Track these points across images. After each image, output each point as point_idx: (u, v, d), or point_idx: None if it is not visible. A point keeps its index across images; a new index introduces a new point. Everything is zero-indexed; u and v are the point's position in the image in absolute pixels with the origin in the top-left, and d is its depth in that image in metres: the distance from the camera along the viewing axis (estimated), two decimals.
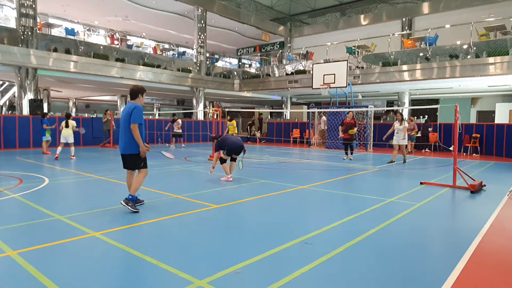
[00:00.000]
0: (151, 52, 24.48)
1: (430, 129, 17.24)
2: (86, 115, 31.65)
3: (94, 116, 26.55)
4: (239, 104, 36.44)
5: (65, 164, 10.43)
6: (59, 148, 11.71)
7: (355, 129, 12.63)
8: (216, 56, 32.50)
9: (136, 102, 5.18)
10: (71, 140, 11.70)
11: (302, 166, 11.27)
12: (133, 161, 5.14)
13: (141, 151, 5.07)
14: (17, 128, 15.71)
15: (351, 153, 12.93)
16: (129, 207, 5.05)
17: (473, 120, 25.85)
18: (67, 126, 11.66)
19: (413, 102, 27.23)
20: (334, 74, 17.89)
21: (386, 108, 27.15)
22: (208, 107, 28.77)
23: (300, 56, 25.29)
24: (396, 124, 11.54)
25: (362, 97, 25.39)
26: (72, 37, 19.02)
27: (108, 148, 16.65)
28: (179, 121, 18.28)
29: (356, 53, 20.99)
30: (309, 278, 3.06)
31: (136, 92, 5.20)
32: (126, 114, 5.05)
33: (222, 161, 7.99)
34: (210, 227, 4.58)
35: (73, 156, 11.71)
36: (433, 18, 22.90)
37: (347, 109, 17.65)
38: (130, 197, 5.11)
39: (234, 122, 15.09)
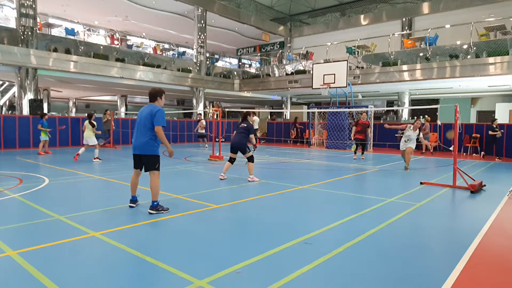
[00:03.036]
0: (151, 52, 24.48)
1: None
2: (86, 115, 31.64)
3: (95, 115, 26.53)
4: (239, 104, 36.44)
5: (65, 164, 10.43)
6: (82, 149, 11.30)
7: (368, 130, 12.75)
8: (216, 56, 32.50)
9: (156, 104, 5.18)
10: (91, 142, 11.20)
11: (302, 166, 11.27)
12: (151, 162, 5.12)
13: (169, 151, 5.17)
14: (17, 128, 15.70)
15: (362, 154, 13.03)
16: (161, 211, 5.08)
17: (473, 120, 25.85)
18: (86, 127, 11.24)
19: (413, 102, 27.23)
20: (334, 74, 17.89)
21: (386, 108, 27.14)
22: (208, 107, 28.78)
23: (300, 56, 25.29)
24: (409, 131, 9.96)
25: (362, 97, 25.38)
26: (72, 37, 19.02)
27: (108, 148, 16.64)
28: (203, 121, 18.26)
29: (356, 53, 20.99)
30: (309, 278, 3.06)
31: (154, 95, 5.20)
32: (147, 115, 5.05)
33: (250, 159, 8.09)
34: (210, 227, 4.58)
35: (96, 159, 11.25)
36: (433, 18, 22.89)
37: (347, 109, 17.69)
38: (155, 203, 5.10)
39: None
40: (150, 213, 5.04)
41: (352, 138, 13.06)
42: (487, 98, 25.68)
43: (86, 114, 11.93)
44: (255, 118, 21.85)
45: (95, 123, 11.43)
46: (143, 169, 5.27)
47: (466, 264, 3.39)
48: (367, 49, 21.32)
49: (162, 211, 5.09)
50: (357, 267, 3.33)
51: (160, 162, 5.23)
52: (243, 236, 4.29)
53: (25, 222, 4.65)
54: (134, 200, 5.44)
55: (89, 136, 11.21)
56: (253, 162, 8.06)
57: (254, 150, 8.35)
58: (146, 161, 5.14)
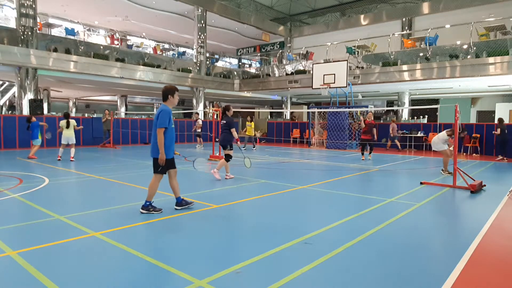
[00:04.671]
0: (151, 52, 24.50)
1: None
2: (86, 115, 31.66)
3: (94, 116, 26.58)
4: (239, 104, 36.44)
5: (65, 164, 10.43)
6: (61, 150, 11.34)
7: (374, 130, 12.58)
8: (216, 56, 32.50)
9: (167, 104, 5.03)
10: (72, 141, 11.25)
11: (302, 166, 11.27)
12: (154, 164, 5.05)
13: (159, 158, 4.87)
14: (17, 128, 15.71)
15: (370, 153, 12.80)
16: (151, 211, 5.05)
17: (473, 120, 25.85)
18: (68, 126, 11.17)
19: (413, 102, 27.24)
20: (334, 74, 17.90)
21: (386, 108, 27.14)
22: (208, 107, 28.79)
23: (300, 56, 25.30)
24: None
25: (362, 97, 25.41)
26: (72, 37, 19.03)
27: (108, 148, 16.64)
28: (199, 121, 18.24)
29: (356, 53, 20.99)
30: (309, 278, 3.06)
31: (165, 93, 5.03)
32: (155, 117, 4.96)
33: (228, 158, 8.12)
34: (210, 227, 4.58)
35: (73, 158, 11.26)
36: (433, 18, 22.90)
37: (347, 109, 17.70)
38: (147, 203, 5.07)
39: (252, 123, 16.56)
40: (141, 213, 5.03)
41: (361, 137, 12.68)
42: (487, 98, 25.69)
43: (64, 114, 11.64)
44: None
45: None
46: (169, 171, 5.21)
47: (466, 264, 3.39)
48: (367, 49, 21.32)
49: (153, 212, 5.05)
50: (357, 267, 3.33)
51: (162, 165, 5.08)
52: (243, 236, 4.29)
53: (25, 222, 4.65)
54: (178, 201, 5.31)
55: (72, 135, 11.22)
56: (227, 161, 8.06)
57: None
58: (153, 162, 5.11)
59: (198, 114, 19.16)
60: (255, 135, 17.21)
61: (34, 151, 12.00)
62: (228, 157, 8.08)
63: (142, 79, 20.47)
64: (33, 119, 12.21)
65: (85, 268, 3.23)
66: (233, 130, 7.97)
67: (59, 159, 11.15)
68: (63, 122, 11.25)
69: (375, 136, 12.51)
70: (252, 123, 16.69)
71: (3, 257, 3.41)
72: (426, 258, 3.59)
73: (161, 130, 4.83)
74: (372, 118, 12.74)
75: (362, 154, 12.73)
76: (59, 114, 24.35)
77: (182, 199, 5.34)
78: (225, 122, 8.02)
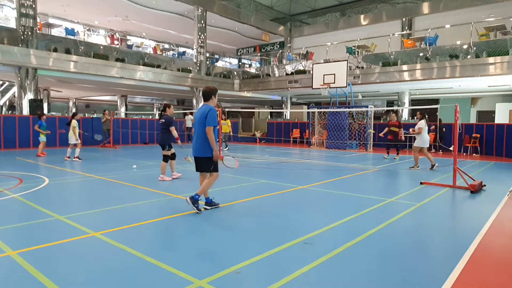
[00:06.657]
0: (151, 52, 24.48)
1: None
2: (86, 114, 31.66)
3: (94, 116, 26.57)
4: (239, 104, 36.43)
5: (65, 164, 10.43)
6: (69, 150, 11.52)
7: (400, 130, 12.90)
8: (216, 56, 32.49)
9: (209, 103, 5.12)
10: (71, 141, 11.38)
11: (302, 166, 11.27)
12: (205, 164, 5.12)
13: (214, 154, 5.02)
14: (17, 128, 15.70)
15: (397, 153, 13.21)
16: (196, 206, 5.06)
17: (473, 120, 25.85)
18: (69, 125, 11.48)
19: (413, 102, 27.22)
20: (334, 74, 17.89)
21: (386, 108, 27.12)
22: None
23: (300, 56, 25.29)
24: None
25: (362, 97, 25.38)
26: (72, 37, 19.01)
27: (108, 148, 16.64)
28: (190, 116, 18.33)
29: (356, 53, 20.98)
30: (309, 278, 3.06)
31: (209, 93, 5.12)
32: (200, 116, 5.00)
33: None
34: (210, 227, 4.58)
35: (75, 159, 11.30)
36: (433, 18, 22.90)
37: (347, 109, 17.70)
38: (196, 196, 5.08)
39: (227, 121, 16.78)
40: (205, 209, 5.16)
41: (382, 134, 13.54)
42: (487, 98, 25.68)
43: (72, 114, 12.23)
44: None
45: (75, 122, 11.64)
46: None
47: (466, 264, 3.39)
48: (367, 49, 21.31)
49: (196, 209, 5.05)
50: (357, 267, 3.33)
51: (160, 162, 5.18)
52: (243, 236, 4.29)
53: (25, 222, 4.65)
54: (207, 202, 5.35)
55: (70, 135, 11.48)
56: (166, 162, 7.83)
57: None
58: (201, 163, 5.16)
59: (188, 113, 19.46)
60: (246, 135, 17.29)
61: (41, 149, 12.69)
62: (166, 158, 7.81)
63: (142, 79, 20.47)
64: (43, 118, 12.90)
65: (85, 268, 3.23)
66: (172, 129, 7.64)
67: (67, 159, 11.36)
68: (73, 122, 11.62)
69: (402, 137, 13.00)
70: (228, 120, 16.84)
71: (3, 257, 3.41)
72: (426, 258, 3.59)
73: (211, 129, 4.93)
74: (395, 119, 13.23)
75: (387, 153, 13.46)
76: (59, 114, 24.31)
77: (211, 200, 5.40)
78: (163, 121, 7.67)
